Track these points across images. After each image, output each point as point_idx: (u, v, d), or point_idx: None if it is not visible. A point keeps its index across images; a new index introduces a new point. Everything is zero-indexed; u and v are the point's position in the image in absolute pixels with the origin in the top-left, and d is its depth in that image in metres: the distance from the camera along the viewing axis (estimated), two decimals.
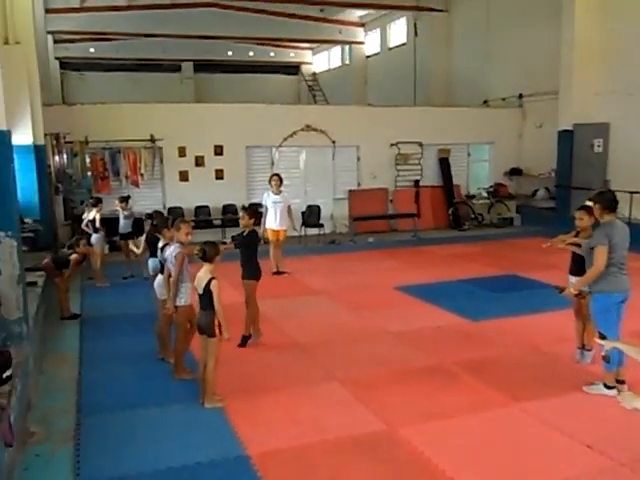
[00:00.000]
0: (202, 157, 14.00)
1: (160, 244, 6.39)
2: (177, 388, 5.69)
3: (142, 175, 13.41)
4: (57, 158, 12.30)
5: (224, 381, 5.66)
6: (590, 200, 5.48)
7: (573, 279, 5.92)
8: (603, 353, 5.33)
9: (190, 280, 5.68)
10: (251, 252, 6.86)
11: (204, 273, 5.19)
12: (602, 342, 5.26)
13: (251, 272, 6.85)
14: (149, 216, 8.41)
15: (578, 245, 5.80)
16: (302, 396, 5.51)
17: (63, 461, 4.43)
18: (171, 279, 5.74)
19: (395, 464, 4.33)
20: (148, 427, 4.93)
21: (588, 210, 5.71)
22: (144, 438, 4.74)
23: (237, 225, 14.07)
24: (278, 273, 10.55)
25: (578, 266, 5.85)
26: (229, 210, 14.00)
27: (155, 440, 4.70)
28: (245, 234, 6.91)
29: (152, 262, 7.15)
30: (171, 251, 5.80)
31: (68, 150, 12.70)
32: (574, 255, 5.96)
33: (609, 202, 5.34)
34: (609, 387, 5.40)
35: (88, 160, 13.05)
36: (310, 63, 29.91)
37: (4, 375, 4.31)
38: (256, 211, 7.74)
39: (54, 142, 12.20)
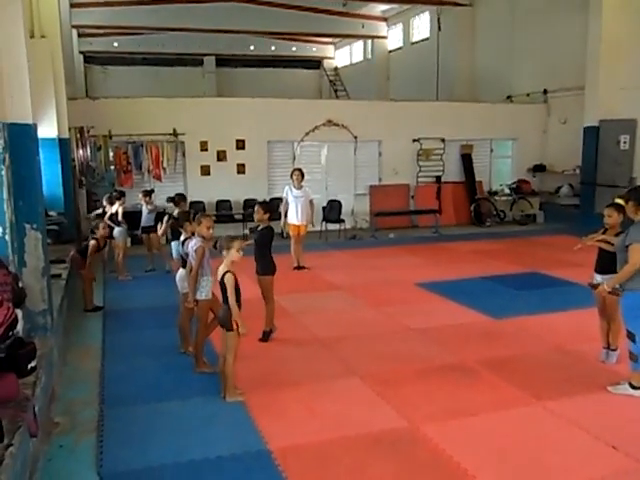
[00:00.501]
0: (224, 151, 14.04)
1: (182, 238, 6.41)
2: (199, 382, 5.71)
3: (164, 169, 13.49)
4: (81, 151, 12.46)
5: (245, 375, 5.69)
6: (622, 197, 5.38)
7: (599, 277, 5.82)
8: (631, 352, 5.27)
9: (212, 274, 5.71)
10: (265, 247, 6.83)
11: (222, 267, 5.20)
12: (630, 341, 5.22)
13: (265, 267, 6.83)
14: (172, 199, 8.46)
15: (607, 242, 5.71)
16: (322, 391, 5.51)
17: (86, 452, 4.47)
18: (191, 273, 5.76)
19: (416, 462, 4.31)
20: (170, 420, 4.96)
21: (618, 207, 5.62)
22: (166, 431, 4.77)
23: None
24: (299, 268, 10.55)
25: (604, 263, 5.76)
26: (250, 204, 13.98)
27: (177, 433, 4.73)
28: (260, 229, 6.90)
29: (175, 245, 7.20)
30: (192, 245, 5.83)
31: (92, 144, 12.82)
32: (600, 252, 5.86)
33: None
34: (635, 387, 5.32)
35: (111, 154, 13.17)
36: (332, 58, 29.83)
37: (29, 366, 4.35)
38: (271, 205, 7.69)
39: (78, 136, 12.37)
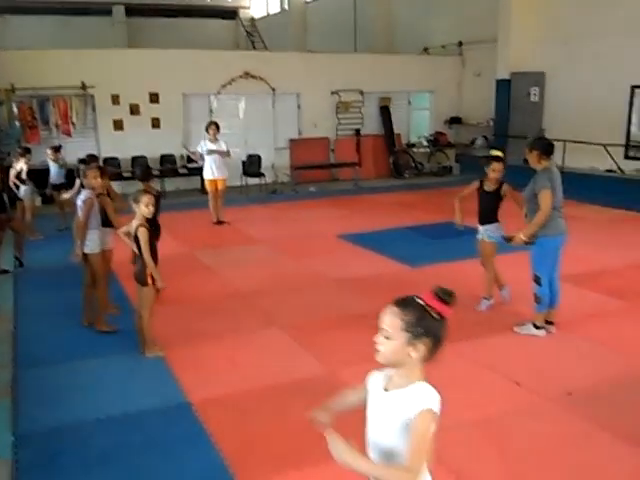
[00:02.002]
0: (137, 105, 13.54)
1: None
2: (117, 339, 5.63)
3: (74, 124, 12.91)
4: None
5: (165, 330, 5.65)
6: (527, 146, 5.54)
7: (481, 228, 6.13)
8: (535, 293, 5.59)
9: (99, 227, 5.71)
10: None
11: (135, 221, 5.08)
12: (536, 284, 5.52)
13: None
14: (83, 161, 8.10)
15: (497, 195, 5.95)
16: (243, 343, 5.56)
17: (1, 414, 4.35)
18: (78, 225, 5.61)
19: None
20: (88, 378, 4.90)
21: (502, 161, 5.94)
22: (84, 389, 4.71)
23: (176, 175, 13.86)
24: (219, 223, 10.46)
25: (485, 215, 6.08)
26: (167, 160, 13.69)
27: (95, 390, 4.68)
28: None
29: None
30: (81, 197, 5.67)
31: None
32: (480, 206, 6.13)
33: (546, 147, 5.48)
34: (538, 327, 5.66)
35: (15, 109, 12.44)
36: (248, 8, 28.99)
37: None
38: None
39: None
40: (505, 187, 5.95)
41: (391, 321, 1.97)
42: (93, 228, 5.64)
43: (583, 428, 4.09)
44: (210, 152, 10.21)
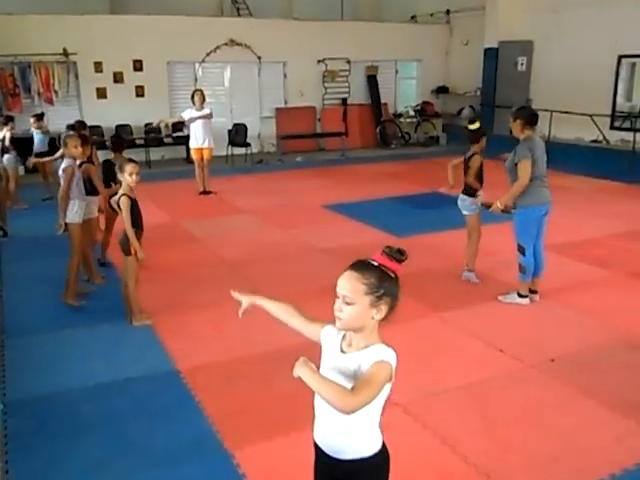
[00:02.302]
0: (120, 73, 13.32)
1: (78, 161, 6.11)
2: (103, 308, 5.63)
3: (56, 92, 12.67)
4: None
5: (152, 299, 5.66)
6: (510, 114, 5.53)
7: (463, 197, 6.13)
8: (520, 263, 5.65)
9: (82, 197, 5.66)
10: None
11: (120, 190, 5.04)
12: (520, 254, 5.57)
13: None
14: (71, 127, 7.96)
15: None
16: (230, 312, 5.45)
17: None
18: (60, 194, 5.53)
19: None
20: (75, 346, 4.90)
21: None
22: (71, 357, 4.72)
23: (161, 144, 13.71)
24: (205, 193, 10.40)
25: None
26: (152, 129, 13.51)
27: (83, 358, 4.69)
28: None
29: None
30: (62, 165, 5.58)
31: None
32: (465, 175, 6.12)
33: (530, 117, 5.47)
34: (522, 296, 5.73)
35: None
36: None
37: None
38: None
39: None
40: (473, 158, 5.98)
41: (352, 286, 1.98)
42: (74, 198, 5.54)
43: (566, 394, 4.17)
44: (191, 120, 10.09)
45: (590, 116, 12.61)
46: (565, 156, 12.18)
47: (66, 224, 5.54)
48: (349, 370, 2.01)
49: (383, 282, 1.97)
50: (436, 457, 3.51)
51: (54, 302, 5.76)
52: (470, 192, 6.03)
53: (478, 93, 15.60)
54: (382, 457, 2.13)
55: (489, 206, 5.68)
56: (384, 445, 2.15)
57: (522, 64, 14.54)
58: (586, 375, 4.41)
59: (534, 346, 4.87)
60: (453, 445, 3.59)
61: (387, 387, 1.99)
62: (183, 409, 4.00)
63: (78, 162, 6.06)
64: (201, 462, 3.46)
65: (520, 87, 14.54)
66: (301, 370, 1.94)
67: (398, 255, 1.99)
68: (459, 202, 6.16)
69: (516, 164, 5.36)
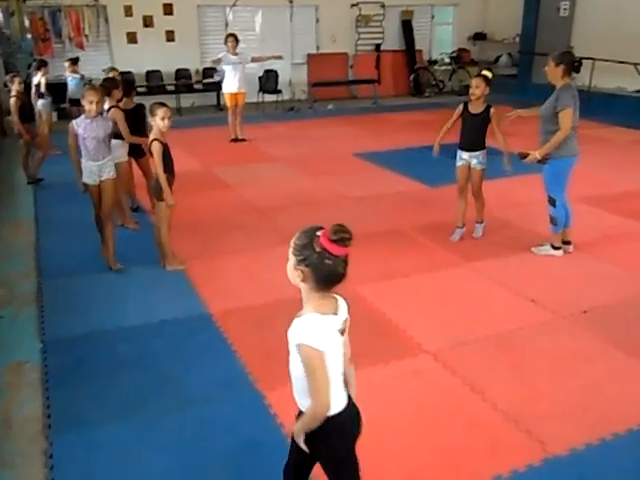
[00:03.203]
0: (150, 17, 13.17)
1: (106, 106, 6.09)
2: (138, 252, 5.71)
3: (86, 36, 12.61)
4: None
5: (185, 245, 5.73)
6: (553, 59, 5.21)
7: (466, 155, 5.87)
8: (551, 215, 5.55)
9: (92, 158, 5.14)
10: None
11: (151, 135, 5.01)
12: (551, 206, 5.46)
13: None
14: (113, 68, 7.95)
15: (483, 118, 5.67)
16: (261, 259, 5.63)
17: (28, 322, 4.50)
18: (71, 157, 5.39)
19: (352, 318, 4.44)
20: (110, 289, 5.01)
21: (486, 79, 5.58)
22: (106, 299, 4.83)
23: (192, 91, 13.62)
24: (236, 140, 10.36)
25: (470, 140, 5.80)
26: (182, 75, 13.42)
27: (118, 301, 4.79)
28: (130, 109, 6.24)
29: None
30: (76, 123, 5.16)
31: (3, 9, 11.71)
32: (463, 129, 5.85)
33: (573, 63, 5.25)
34: (556, 247, 5.65)
35: (26, 20, 12.14)
36: None
37: None
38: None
39: None
40: (493, 110, 5.64)
41: (291, 242, 2.06)
42: (84, 157, 5.18)
43: (597, 345, 4.14)
44: (229, 63, 9.92)
45: (635, 65, 12.11)
46: (605, 106, 11.80)
47: (85, 184, 5.29)
48: (290, 336, 2.09)
49: (304, 250, 2.00)
50: (465, 404, 3.54)
51: (89, 246, 5.84)
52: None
53: (517, 40, 15.07)
54: (346, 416, 2.17)
55: (525, 156, 5.46)
56: (350, 404, 2.21)
57: (565, 9, 13.95)
58: (617, 327, 4.37)
59: (566, 297, 4.83)
60: (482, 392, 3.62)
61: (327, 356, 2.03)
62: (215, 351, 4.09)
63: (106, 107, 6.04)
64: (233, 402, 3.55)
65: (561, 33, 13.99)
66: (299, 439, 2.18)
67: (334, 235, 1.99)
68: (472, 156, 5.83)
69: (557, 113, 5.17)
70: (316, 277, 2.02)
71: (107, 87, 5.90)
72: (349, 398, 2.22)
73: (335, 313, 2.10)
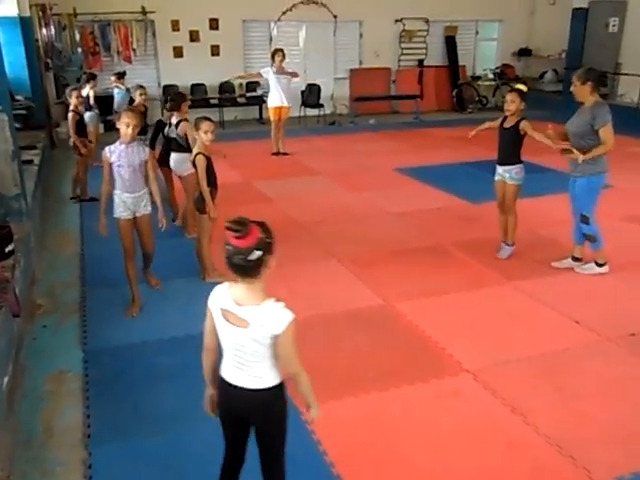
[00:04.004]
0: (197, 32, 13.40)
1: (174, 120, 6.27)
2: (180, 264, 5.78)
3: (134, 50, 12.91)
4: (45, 31, 11.75)
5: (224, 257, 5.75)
6: (579, 78, 5.12)
7: (500, 169, 5.77)
8: (587, 233, 5.40)
9: (128, 190, 4.67)
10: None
11: (195, 148, 5.08)
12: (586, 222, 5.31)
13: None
14: (141, 86, 8.12)
15: (515, 132, 5.54)
16: (301, 272, 5.62)
17: (70, 331, 4.59)
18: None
19: (390, 335, 4.49)
20: (152, 300, 5.06)
21: (521, 94, 5.49)
22: (148, 310, 4.89)
23: (235, 104, 13.80)
24: (279, 154, 10.42)
25: (503, 154, 5.72)
26: (226, 89, 13.61)
27: (159, 312, 4.85)
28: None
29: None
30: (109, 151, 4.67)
31: (56, 23, 12.10)
32: (499, 144, 5.76)
33: (600, 79, 5.16)
34: (600, 265, 5.51)
35: (77, 34, 12.52)
36: None
37: (6, 249, 4.37)
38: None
39: (40, 14, 11.60)
40: (523, 123, 5.49)
41: None
42: (116, 189, 4.69)
43: None
44: (278, 73, 10.02)
45: None
46: None
47: (116, 220, 4.80)
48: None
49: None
50: (506, 426, 3.45)
51: None
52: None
53: (563, 56, 14.82)
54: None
55: (567, 152, 5.23)
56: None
57: (614, 25, 13.66)
58: None
59: (612, 319, 4.69)
60: (524, 414, 3.52)
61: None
62: None
63: (175, 120, 6.20)
64: None
65: (610, 50, 13.70)
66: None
67: (230, 225, 2.20)
68: (506, 170, 5.73)
69: (596, 129, 5.03)
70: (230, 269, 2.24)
71: (177, 101, 6.18)
72: None
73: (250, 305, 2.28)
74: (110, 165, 4.60)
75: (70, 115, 7.63)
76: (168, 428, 3.44)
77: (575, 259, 5.63)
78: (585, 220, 5.36)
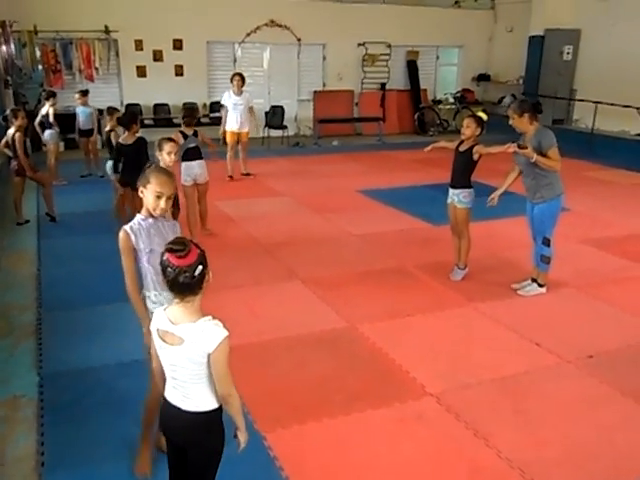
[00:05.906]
0: (160, 51, 13.36)
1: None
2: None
3: (97, 69, 12.78)
4: (4, 48, 11.53)
5: None
6: (514, 111, 5.20)
7: (451, 192, 5.85)
8: (545, 255, 5.52)
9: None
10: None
11: None
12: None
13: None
14: (111, 111, 8.03)
15: (468, 157, 5.63)
16: (264, 294, 5.59)
17: (25, 354, 4.45)
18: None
19: (354, 358, 4.48)
20: (111, 322, 4.94)
21: (479, 120, 5.56)
22: (107, 333, 4.77)
23: (199, 124, 13.70)
24: (232, 178, 10.27)
25: (456, 177, 5.80)
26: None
27: (118, 335, 4.72)
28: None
29: (109, 164, 7.12)
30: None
31: (16, 40, 11.88)
32: (452, 166, 5.84)
33: (535, 108, 5.28)
34: (542, 285, 5.68)
35: (38, 52, 12.33)
36: None
37: None
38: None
39: (0, 30, 11.41)
40: (476, 147, 5.51)
41: None
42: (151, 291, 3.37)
43: (604, 391, 4.08)
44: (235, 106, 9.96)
45: (638, 109, 12.22)
46: (608, 149, 11.87)
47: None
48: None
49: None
50: (468, 450, 3.46)
51: (91, 278, 5.84)
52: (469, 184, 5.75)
53: (520, 82, 15.26)
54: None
55: (524, 147, 5.17)
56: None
57: (568, 53, 14.16)
58: (624, 373, 4.30)
59: (571, 341, 4.77)
60: (486, 438, 3.54)
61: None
62: None
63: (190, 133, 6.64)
64: (232, 443, 3.46)
65: (564, 77, 14.18)
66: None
67: (169, 247, 2.25)
68: (455, 194, 5.80)
69: (544, 153, 5.13)
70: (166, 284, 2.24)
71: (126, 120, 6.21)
72: None
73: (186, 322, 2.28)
74: (134, 252, 3.10)
75: (17, 135, 7.22)
76: (128, 456, 3.33)
77: (534, 281, 5.73)
78: (547, 242, 5.48)
